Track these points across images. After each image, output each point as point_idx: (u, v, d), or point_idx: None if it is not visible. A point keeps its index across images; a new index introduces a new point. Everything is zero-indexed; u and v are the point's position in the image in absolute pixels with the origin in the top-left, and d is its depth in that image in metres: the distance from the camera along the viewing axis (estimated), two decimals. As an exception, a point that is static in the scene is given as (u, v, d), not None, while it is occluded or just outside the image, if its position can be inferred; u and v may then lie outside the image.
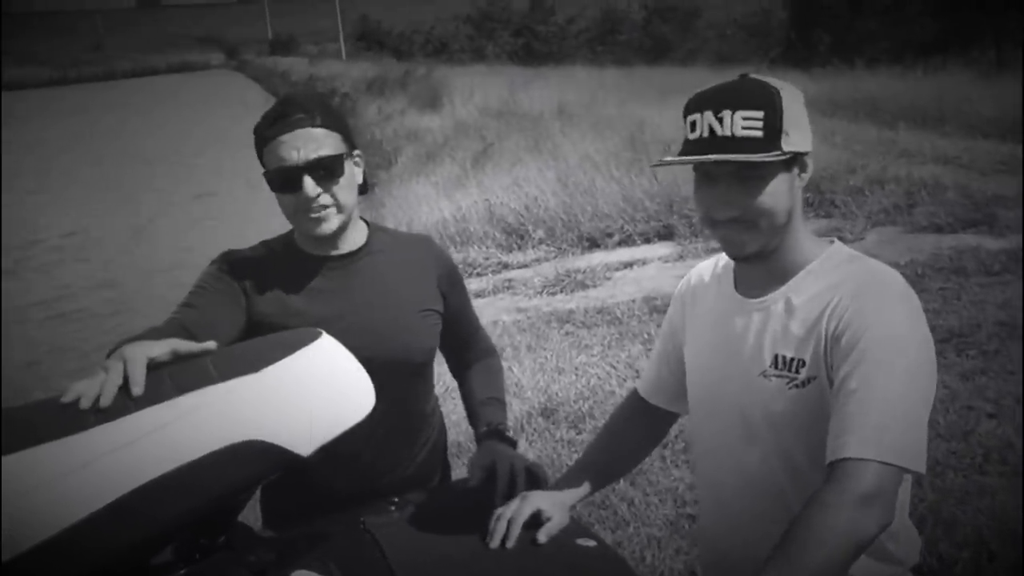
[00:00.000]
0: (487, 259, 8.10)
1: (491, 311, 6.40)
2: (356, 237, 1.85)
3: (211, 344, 1.29)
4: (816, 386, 1.39)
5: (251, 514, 1.95)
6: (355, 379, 1.30)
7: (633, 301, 6.31)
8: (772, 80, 1.43)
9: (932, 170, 8.75)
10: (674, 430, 1.88)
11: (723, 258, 1.60)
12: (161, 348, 1.27)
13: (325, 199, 1.72)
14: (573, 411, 4.49)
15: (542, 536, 1.54)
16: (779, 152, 1.37)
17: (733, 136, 1.37)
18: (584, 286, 7.05)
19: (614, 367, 5.06)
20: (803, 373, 1.40)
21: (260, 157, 1.76)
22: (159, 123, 34.65)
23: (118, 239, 13.96)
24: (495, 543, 1.53)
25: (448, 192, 10.38)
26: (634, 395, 1.82)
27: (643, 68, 23.49)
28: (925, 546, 2.80)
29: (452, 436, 3.17)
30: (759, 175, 1.39)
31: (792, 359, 1.41)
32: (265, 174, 1.74)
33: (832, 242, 1.49)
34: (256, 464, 1.21)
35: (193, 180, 18.25)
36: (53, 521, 1.08)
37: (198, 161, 21.87)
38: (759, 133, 1.37)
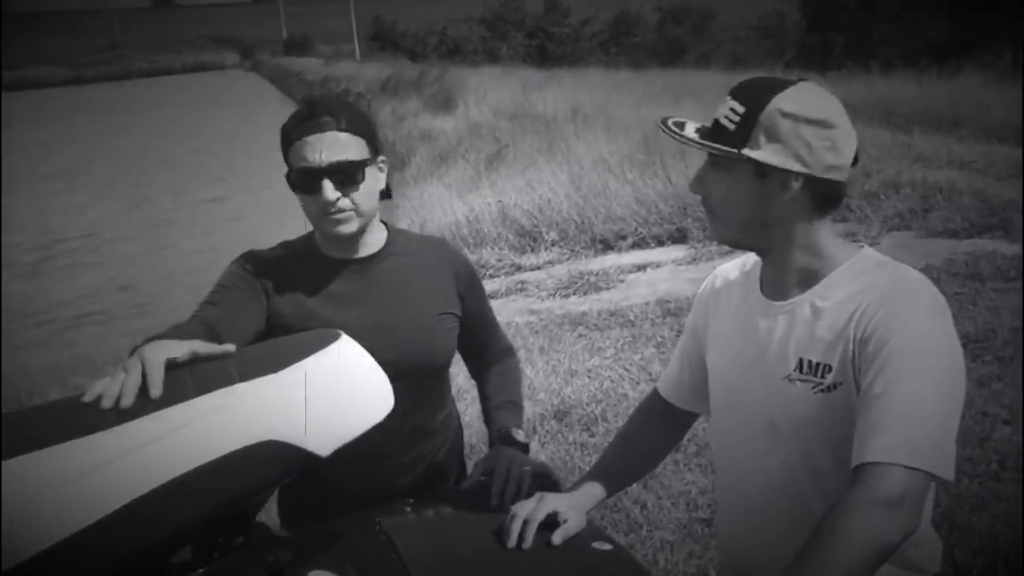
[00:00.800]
0: (500, 261, 8.11)
1: (504, 313, 6.39)
2: (375, 240, 1.86)
3: (230, 347, 1.30)
4: (843, 391, 1.38)
5: (267, 515, 1.96)
6: (374, 380, 1.31)
7: (646, 304, 6.30)
8: (806, 98, 1.38)
9: (947, 174, 8.70)
10: (687, 434, 1.88)
11: (749, 259, 1.60)
12: (181, 349, 1.27)
13: (344, 203, 1.72)
14: (586, 414, 4.49)
15: (557, 538, 1.55)
16: (733, 152, 1.38)
17: (716, 121, 1.42)
18: (597, 288, 7.04)
19: (627, 370, 5.06)
20: (829, 378, 1.39)
21: (285, 157, 1.76)
22: (175, 122, 34.79)
23: (135, 240, 14.01)
24: (511, 543, 1.53)
25: (461, 194, 10.39)
26: (654, 395, 1.82)
27: (657, 70, 23.43)
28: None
29: (465, 437, 3.17)
30: (723, 165, 1.42)
31: (818, 364, 1.40)
32: (287, 174, 1.75)
33: (862, 247, 1.48)
34: (275, 464, 1.21)
35: (209, 182, 18.36)
36: (73, 520, 1.09)
37: (213, 161, 21.97)
38: (732, 126, 1.39)
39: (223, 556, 1.30)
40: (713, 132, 1.42)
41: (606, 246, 8.25)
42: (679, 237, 8.07)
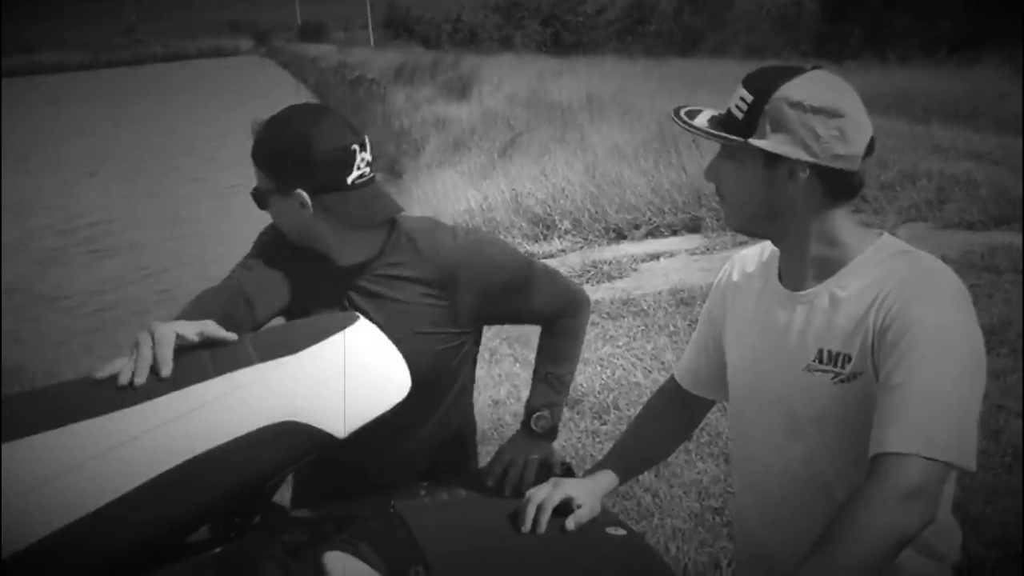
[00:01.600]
0: (513, 249, 8.09)
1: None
2: (361, 251, 1.75)
3: (234, 335, 1.31)
4: (862, 381, 1.37)
5: (281, 496, 1.97)
6: (391, 363, 1.31)
7: (659, 293, 6.28)
8: (815, 86, 1.37)
9: (964, 166, 8.64)
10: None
11: (767, 248, 1.59)
12: (192, 329, 1.29)
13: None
14: (598, 402, 4.49)
15: (571, 523, 1.55)
16: (739, 140, 1.38)
17: (727, 110, 1.42)
18: (610, 277, 7.03)
19: (639, 358, 5.05)
20: (849, 368, 1.38)
21: None
22: (191, 108, 34.87)
23: (156, 228, 14.03)
24: (525, 528, 1.54)
25: (475, 181, 10.38)
26: (671, 383, 1.81)
27: (673, 59, 23.30)
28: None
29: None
30: (734, 155, 1.42)
31: (838, 354, 1.39)
32: None
33: (881, 234, 1.46)
34: (292, 445, 1.22)
35: (227, 168, 18.36)
36: (93, 498, 1.10)
37: (230, 148, 22.01)
38: (741, 115, 1.39)
39: (239, 535, 1.31)
40: (724, 121, 1.42)
41: (620, 235, 8.23)
42: (693, 226, 8.04)
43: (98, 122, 32.07)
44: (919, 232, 6.98)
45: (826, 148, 1.36)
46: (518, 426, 1.93)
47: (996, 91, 12.06)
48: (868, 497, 1.22)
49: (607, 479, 1.68)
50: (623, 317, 5.90)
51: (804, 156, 1.36)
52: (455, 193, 9.90)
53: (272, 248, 1.78)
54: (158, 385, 1.19)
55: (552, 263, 7.62)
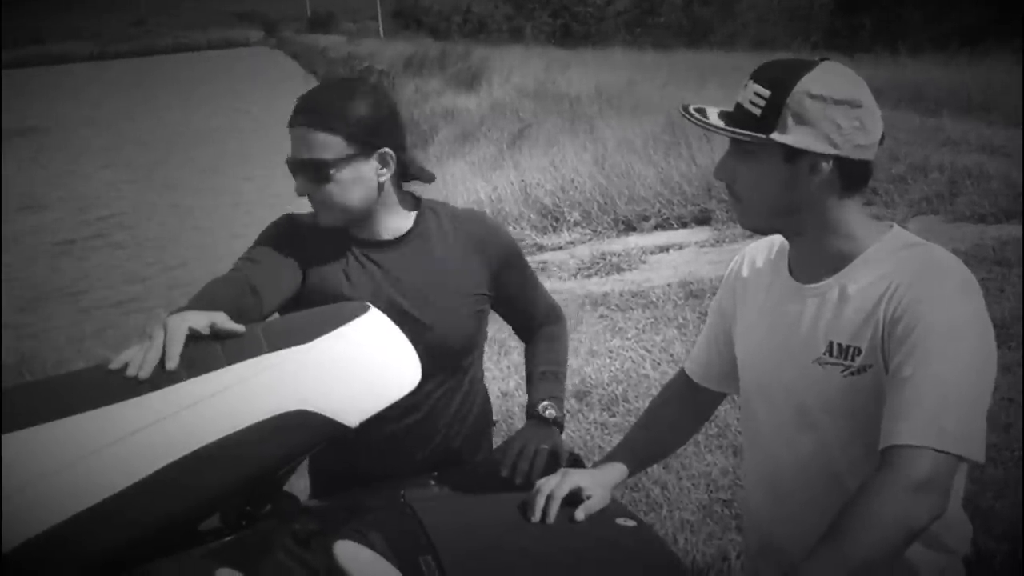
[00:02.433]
0: (522, 240, 8.08)
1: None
2: (398, 224, 1.84)
3: (241, 327, 1.31)
4: (873, 374, 1.37)
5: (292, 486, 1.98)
6: (402, 352, 1.32)
7: (669, 285, 6.28)
8: (832, 78, 1.37)
9: (976, 159, 8.59)
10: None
11: (777, 241, 1.58)
12: (203, 320, 1.30)
13: (318, 196, 1.75)
14: (607, 394, 4.49)
15: (581, 514, 1.55)
16: (762, 137, 1.36)
17: (740, 106, 1.40)
18: (619, 269, 7.03)
19: (648, 351, 5.05)
20: (859, 361, 1.38)
21: None
22: (202, 100, 34.91)
23: (170, 222, 14.04)
24: (535, 518, 1.54)
25: (484, 172, 10.37)
26: (681, 375, 1.81)
27: (683, 51, 23.22)
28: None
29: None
30: (749, 151, 1.40)
31: (848, 347, 1.39)
32: None
33: (891, 227, 1.46)
34: (304, 434, 1.23)
35: (240, 160, 18.39)
36: (105, 486, 1.10)
37: (241, 139, 22.05)
38: (758, 111, 1.37)
39: (250, 524, 1.31)
40: (737, 117, 1.41)
41: (629, 227, 8.22)
42: (703, 219, 8.03)
43: (112, 114, 32.14)
44: (930, 225, 6.95)
45: (848, 139, 1.36)
46: (526, 418, 1.94)
47: (1008, 84, 11.96)
48: (878, 489, 1.22)
49: (617, 471, 1.68)
50: (632, 309, 5.90)
51: (828, 149, 1.36)
52: (464, 184, 9.89)
53: (278, 241, 1.80)
54: (169, 374, 1.19)
55: (561, 255, 7.64)
